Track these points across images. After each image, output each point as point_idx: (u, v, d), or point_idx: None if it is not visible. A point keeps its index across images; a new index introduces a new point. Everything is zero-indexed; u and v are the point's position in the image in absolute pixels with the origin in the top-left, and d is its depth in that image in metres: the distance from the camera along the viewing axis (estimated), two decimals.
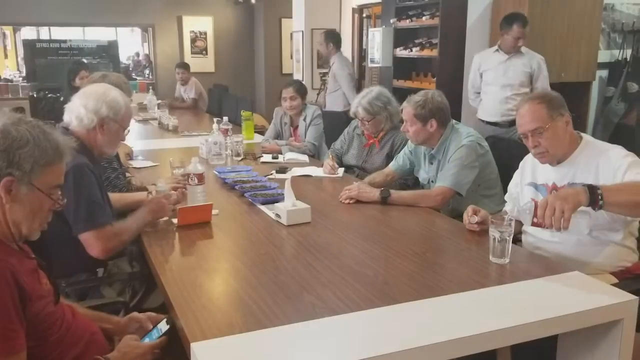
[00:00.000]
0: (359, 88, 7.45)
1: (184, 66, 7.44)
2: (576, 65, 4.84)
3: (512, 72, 4.27)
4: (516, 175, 2.39)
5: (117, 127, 2.28)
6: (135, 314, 1.78)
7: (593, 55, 4.95)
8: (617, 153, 2.07)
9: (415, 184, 3.21)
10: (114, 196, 2.53)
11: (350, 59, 8.44)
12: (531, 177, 2.28)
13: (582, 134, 2.20)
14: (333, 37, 5.88)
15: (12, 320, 1.28)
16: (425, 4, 5.21)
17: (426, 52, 5.13)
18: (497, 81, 4.33)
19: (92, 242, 2.06)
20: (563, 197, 1.81)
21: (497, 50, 4.35)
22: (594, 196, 1.82)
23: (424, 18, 5.14)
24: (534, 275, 1.86)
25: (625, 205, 1.90)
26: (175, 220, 2.38)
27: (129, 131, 2.41)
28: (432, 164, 2.97)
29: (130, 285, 2.25)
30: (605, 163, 2.05)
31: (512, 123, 4.13)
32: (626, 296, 1.68)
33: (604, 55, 5.31)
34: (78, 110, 2.22)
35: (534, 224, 1.90)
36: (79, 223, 2.05)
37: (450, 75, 4.86)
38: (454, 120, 2.93)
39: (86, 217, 2.05)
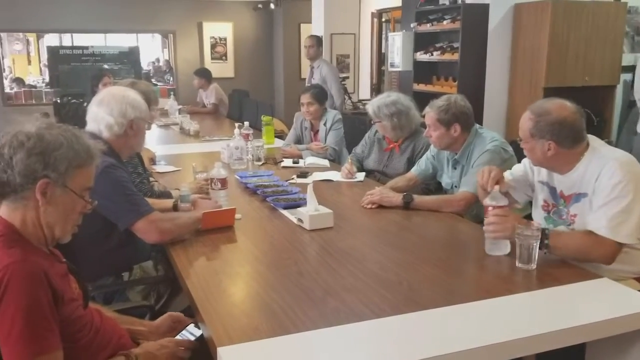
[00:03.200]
0: (378, 91, 7.46)
1: (197, 73, 7.39)
2: (600, 69, 4.78)
3: None
4: (533, 166, 2.32)
5: (143, 124, 2.38)
6: (171, 312, 1.83)
7: (617, 58, 4.88)
8: (612, 173, 1.98)
9: (438, 188, 3.19)
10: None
11: (369, 63, 8.46)
12: (546, 176, 2.25)
13: (590, 139, 2.13)
14: (321, 42, 6.09)
15: (47, 320, 1.30)
16: (446, 7, 5.18)
17: (447, 56, 5.10)
18: None
19: (146, 228, 2.11)
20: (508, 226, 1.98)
21: None
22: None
23: (444, 22, 5.11)
24: (562, 282, 1.83)
25: (569, 257, 2.00)
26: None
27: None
28: (455, 168, 2.95)
29: (155, 289, 2.27)
30: (601, 179, 2.01)
31: None
32: None
33: (628, 59, 5.23)
34: (105, 119, 2.25)
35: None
36: (126, 216, 2.10)
37: (472, 79, 4.82)
38: (477, 125, 2.91)
39: (131, 208, 2.11)
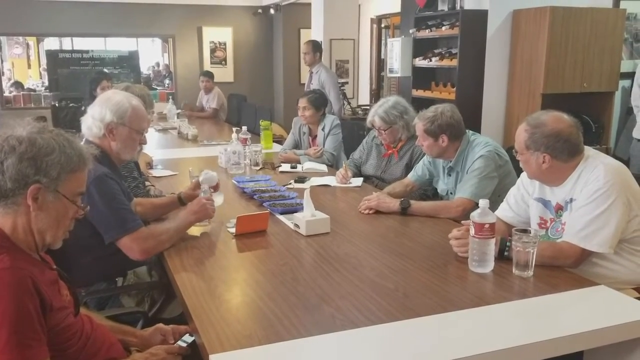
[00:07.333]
0: (377, 98, 7.46)
1: (208, 75, 7.51)
2: (599, 76, 4.77)
3: None
4: (526, 185, 2.31)
5: (127, 131, 2.24)
6: (161, 325, 1.79)
7: (616, 65, 4.87)
8: (597, 176, 1.99)
9: (435, 194, 3.18)
10: (142, 201, 2.57)
11: (368, 69, 8.47)
12: (538, 191, 2.24)
13: (585, 149, 2.11)
14: (319, 47, 6.05)
15: (34, 329, 1.28)
16: (445, 14, 5.18)
17: (446, 62, 5.10)
18: None
19: (129, 245, 2.08)
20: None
21: None
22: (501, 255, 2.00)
23: (443, 28, 5.11)
24: (559, 289, 1.82)
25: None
26: (232, 230, 2.40)
27: (145, 132, 2.34)
28: (450, 175, 2.94)
29: (149, 294, 2.25)
30: (588, 180, 2.02)
31: None
32: None
33: (627, 65, 5.23)
34: (87, 120, 2.25)
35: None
36: (112, 230, 2.07)
37: (471, 85, 4.82)
38: (470, 132, 2.90)
39: (118, 223, 2.07)
